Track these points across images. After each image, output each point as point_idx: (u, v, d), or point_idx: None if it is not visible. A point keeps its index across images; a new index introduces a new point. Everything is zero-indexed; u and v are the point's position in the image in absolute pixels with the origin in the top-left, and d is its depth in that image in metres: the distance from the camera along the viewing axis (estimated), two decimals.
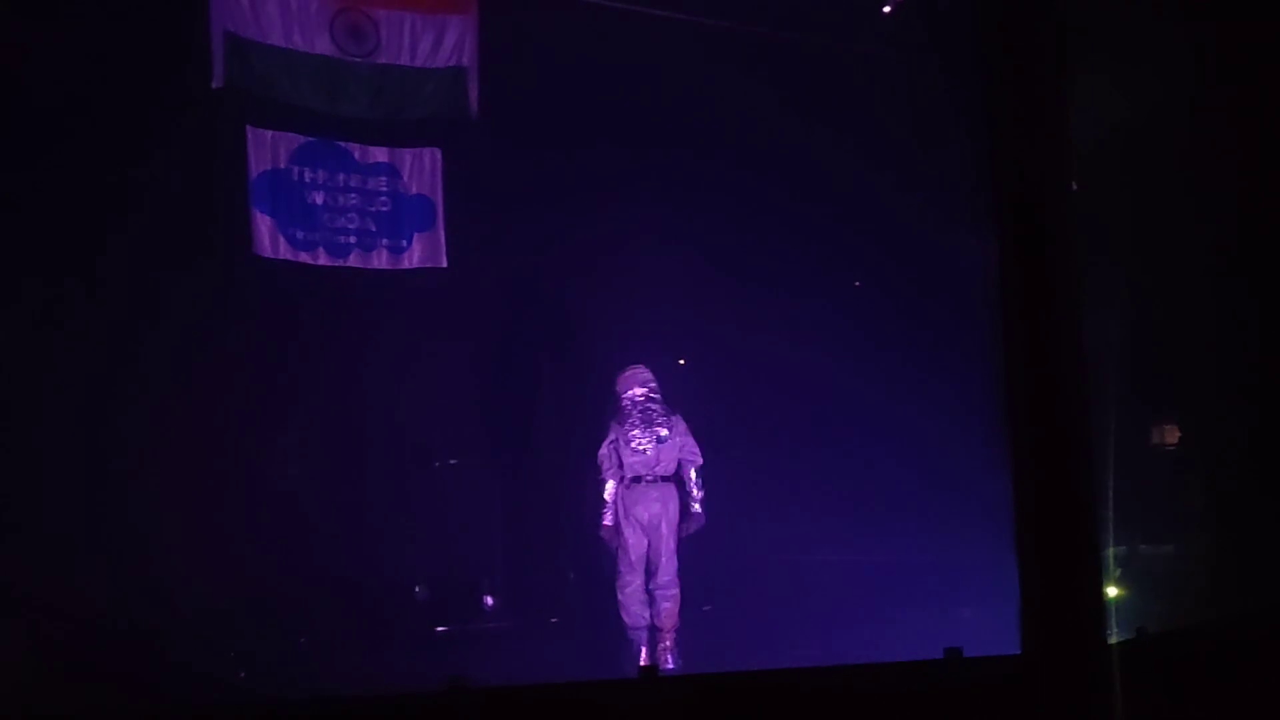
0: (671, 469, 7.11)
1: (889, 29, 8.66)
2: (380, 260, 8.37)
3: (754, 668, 3.89)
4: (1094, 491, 4.24)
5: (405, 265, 8.44)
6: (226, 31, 7.81)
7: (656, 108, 8.43)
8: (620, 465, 7.06)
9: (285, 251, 8.12)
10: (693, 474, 7.22)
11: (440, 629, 8.06)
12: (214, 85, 7.81)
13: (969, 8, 5.79)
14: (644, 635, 6.98)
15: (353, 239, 8.32)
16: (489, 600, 7.86)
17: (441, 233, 8.49)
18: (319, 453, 8.25)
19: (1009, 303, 4.48)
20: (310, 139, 8.24)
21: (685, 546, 7.16)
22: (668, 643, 7.00)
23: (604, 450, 7.13)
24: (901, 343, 8.37)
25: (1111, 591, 7.23)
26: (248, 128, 8.08)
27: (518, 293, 8.52)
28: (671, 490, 7.10)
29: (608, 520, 7.09)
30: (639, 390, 7.12)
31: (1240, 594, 6.80)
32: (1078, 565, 4.00)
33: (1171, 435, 9.22)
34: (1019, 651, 3.91)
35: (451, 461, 8.41)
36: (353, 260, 8.31)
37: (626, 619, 7.03)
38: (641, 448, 7.02)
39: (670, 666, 6.89)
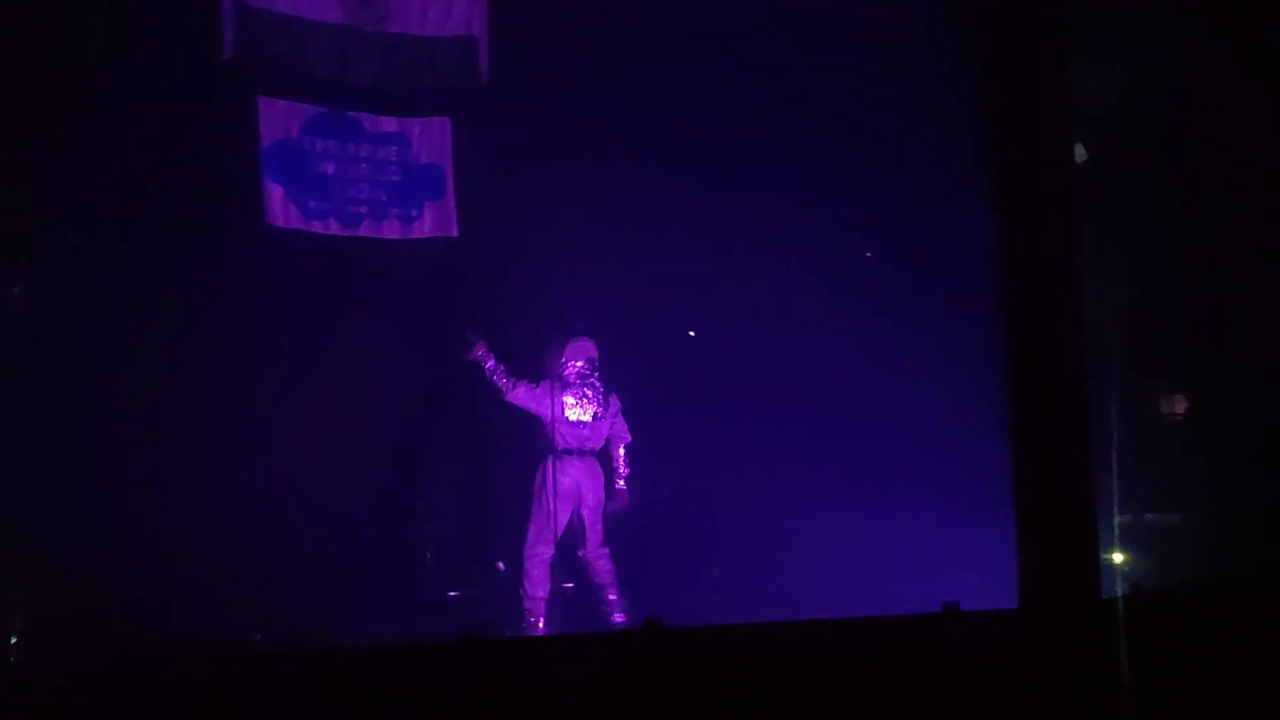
0: (599, 445, 7.41)
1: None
2: (391, 230, 8.44)
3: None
4: (1091, 451, 4.33)
5: (416, 234, 8.50)
6: (237, 1, 7.86)
7: (664, 76, 8.45)
8: (538, 395, 7.27)
9: (297, 221, 8.19)
10: (621, 451, 7.56)
11: (452, 594, 8.15)
12: (225, 55, 7.86)
13: None
14: (542, 606, 7.14)
15: (364, 208, 8.39)
16: (501, 566, 7.95)
17: (452, 202, 8.55)
18: (330, 421, 8.32)
19: (1009, 271, 4.56)
20: (321, 109, 8.30)
21: (690, 512, 7.33)
22: (613, 597, 7.24)
23: (524, 387, 7.33)
24: (903, 310, 8.42)
25: (1117, 557, 7.33)
26: (258, 98, 8.14)
27: (528, 262, 8.56)
28: (597, 465, 7.39)
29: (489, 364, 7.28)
30: (582, 363, 7.39)
31: (1234, 559, 6.89)
32: (1074, 522, 4.09)
33: (1177, 406, 9.27)
34: (1015, 606, 4.01)
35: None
36: (364, 230, 8.38)
37: (529, 588, 7.19)
38: (575, 418, 7.28)
39: (620, 619, 7.12)
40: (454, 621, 5.94)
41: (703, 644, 3.84)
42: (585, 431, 7.35)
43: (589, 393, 7.41)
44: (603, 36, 8.41)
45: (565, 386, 7.37)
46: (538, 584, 7.24)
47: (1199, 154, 8.05)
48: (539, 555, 7.28)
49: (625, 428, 7.61)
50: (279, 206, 8.13)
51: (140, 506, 7.19)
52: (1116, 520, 7.14)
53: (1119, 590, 4.59)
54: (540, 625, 6.99)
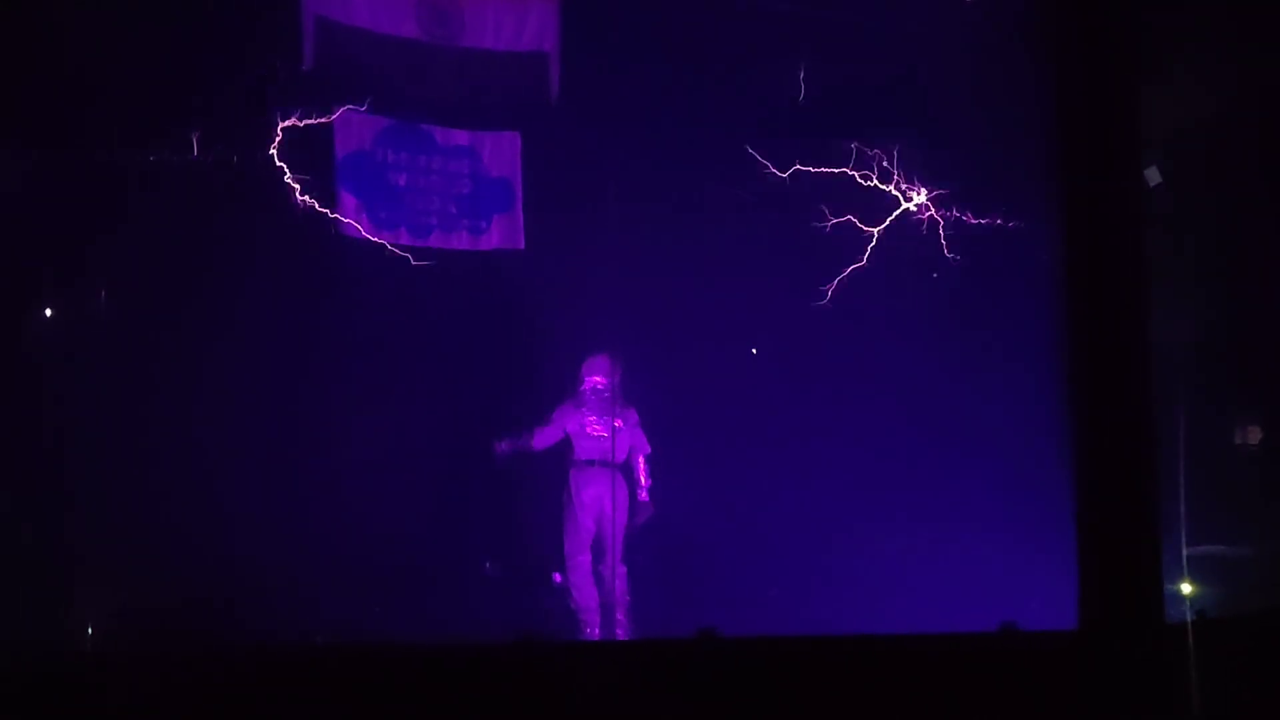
0: (622, 456, 7.64)
1: (967, 17, 8.63)
2: (460, 241, 8.58)
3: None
4: (1157, 475, 4.28)
5: (484, 246, 8.63)
6: (317, 15, 8.06)
7: (731, 94, 8.49)
8: (558, 440, 7.61)
9: (368, 231, 8.35)
10: (641, 461, 7.76)
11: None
12: (304, 67, 8.05)
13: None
14: (595, 616, 7.31)
15: (433, 220, 8.53)
16: (557, 577, 7.99)
17: (520, 215, 8.67)
18: (392, 428, 8.45)
19: (1075, 293, 4.53)
20: (394, 121, 8.47)
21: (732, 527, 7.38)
22: (620, 616, 7.35)
23: (545, 429, 7.65)
24: (969, 330, 8.34)
25: (1185, 588, 7.18)
26: (334, 109, 8.32)
27: (594, 276, 8.62)
28: (619, 477, 7.62)
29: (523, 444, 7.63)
30: (600, 379, 7.65)
31: None
32: (1137, 544, 4.04)
33: (1252, 436, 9.08)
34: (1074, 627, 3.97)
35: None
36: (433, 240, 8.52)
37: (578, 598, 7.43)
38: (596, 433, 7.56)
39: (623, 627, 7.26)
40: (513, 625, 5.99)
41: (757, 654, 3.85)
42: (606, 444, 7.59)
43: (608, 406, 7.67)
44: (670, 56, 8.47)
45: (583, 402, 7.65)
46: (585, 594, 7.45)
47: (1276, 179, 7.92)
48: (579, 565, 7.53)
49: (644, 439, 7.83)
50: (352, 216, 8.30)
51: (206, 506, 7.36)
52: (1185, 551, 7.00)
53: (1186, 613, 4.51)
54: (596, 634, 7.13)
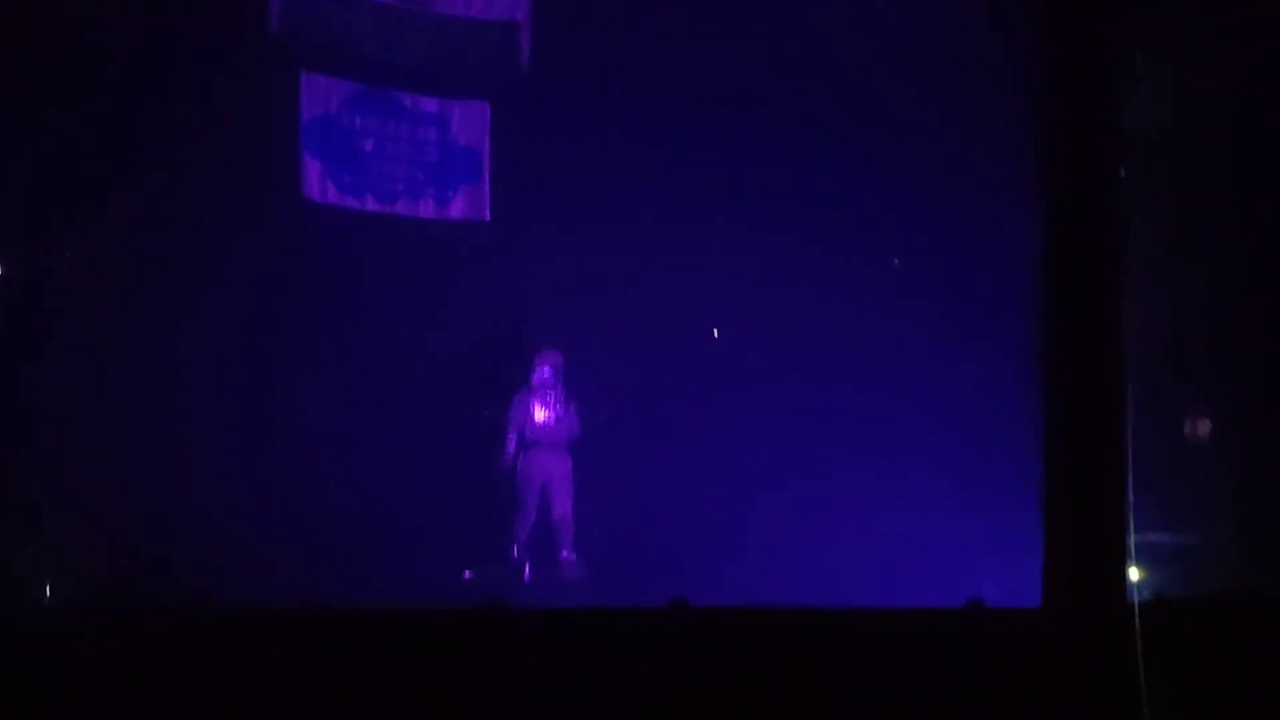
0: (563, 436, 8.21)
1: (945, 10, 8.65)
2: (426, 209, 8.52)
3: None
4: (1125, 457, 4.33)
5: (449, 216, 8.56)
6: None
7: (706, 71, 8.47)
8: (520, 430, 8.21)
9: (333, 196, 8.27)
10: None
11: (468, 574, 8.19)
12: (271, 30, 7.93)
13: None
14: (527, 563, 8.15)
15: (400, 186, 8.46)
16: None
17: (486, 186, 8.61)
18: (358, 393, 8.39)
19: (1051, 276, 4.57)
20: (362, 86, 8.37)
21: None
22: (565, 554, 8.17)
23: (510, 415, 8.22)
24: (941, 312, 8.40)
25: (1134, 574, 7.27)
26: (301, 73, 8.21)
27: (560, 249, 8.59)
28: (565, 454, 8.18)
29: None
30: (547, 371, 8.15)
31: (1261, 576, 6.86)
32: (1103, 525, 4.10)
33: (1203, 428, 9.21)
34: (1039, 605, 4.02)
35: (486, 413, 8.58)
36: (399, 208, 8.46)
37: (519, 548, 8.18)
38: (540, 418, 8.19)
39: (572, 561, 8.12)
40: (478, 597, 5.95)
41: (727, 624, 3.87)
42: (552, 428, 8.21)
43: (551, 396, 8.19)
44: (644, 30, 8.43)
45: (532, 394, 8.16)
46: (524, 549, 8.24)
47: (1245, 176, 8.02)
48: (526, 527, 8.25)
49: (578, 428, 8.32)
50: (316, 181, 8.20)
51: (187, 474, 7.30)
52: (1133, 538, 7.09)
53: (1137, 598, 4.59)
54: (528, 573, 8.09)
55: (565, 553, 8.15)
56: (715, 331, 9.49)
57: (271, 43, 7.98)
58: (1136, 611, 4.25)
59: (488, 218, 8.66)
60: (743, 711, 3.70)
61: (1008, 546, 5.16)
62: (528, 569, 8.12)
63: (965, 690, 3.87)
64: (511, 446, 8.20)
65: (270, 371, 8.08)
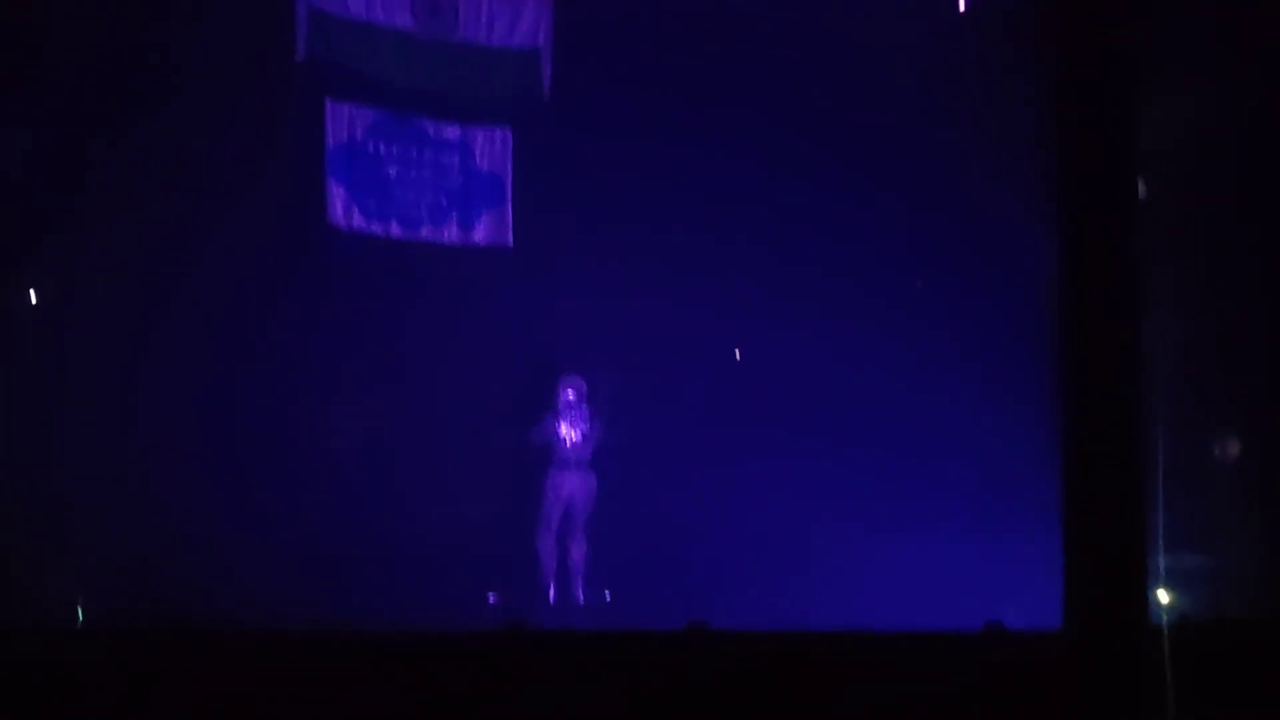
0: (589, 455, 8.38)
1: (960, 27, 8.68)
2: (450, 235, 8.58)
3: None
4: (1144, 477, 4.31)
5: (473, 241, 8.63)
6: (311, 6, 8.05)
7: (725, 95, 8.51)
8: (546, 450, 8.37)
9: (358, 222, 8.36)
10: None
11: (491, 597, 8.21)
12: (297, 58, 8.04)
13: (1039, 8, 5.84)
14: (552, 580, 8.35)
15: (424, 213, 8.53)
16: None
17: (509, 211, 8.67)
18: (383, 421, 8.44)
19: (1068, 301, 4.56)
20: (386, 113, 8.47)
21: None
22: (580, 589, 8.36)
23: (540, 427, 8.37)
24: (959, 333, 8.39)
25: (1163, 597, 7.22)
26: (326, 101, 8.31)
27: (582, 273, 8.63)
28: (590, 473, 8.35)
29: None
30: (571, 394, 8.34)
31: None
32: (1124, 545, 4.07)
33: (1232, 449, 9.13)
34: (1059, 627, 3.99)
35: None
36: (423, 234, 8.52)
37: (542, 563, 8.39)
38: (567, 438, 8.36)
39: (580, 591, 8.35)
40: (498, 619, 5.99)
41: (744, 648, 3.87)
42: (579, 446, 8.38)
43: (575, 418, 8.36)
44: (665, 55, 8.48)
45: (560, 416, 8.33)
46: (548, 562, 8.42)
47: (1263, 192, 7.98)
48: (546, 542, 8.41)
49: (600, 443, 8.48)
50: (341, 207, 8.29)
51: (211, 495, 7.36)
52: (1162, 559, 7.03)
53: (1161, 616, 4.55)
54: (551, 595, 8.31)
55: (579, 588, 8.36)
56: (737, 353, 9.51)
57: (297, 71, 8.09)
58: (1163, 634, 4.22)
59: (511, 242, 8.71)
60: None
61: (1028, 569, 5.13)
62: (552, 590, 8.29)
63: (985, 714, 3.85)
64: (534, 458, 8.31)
65: (296, 395, 8.13)
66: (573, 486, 8.37)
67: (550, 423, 8.35)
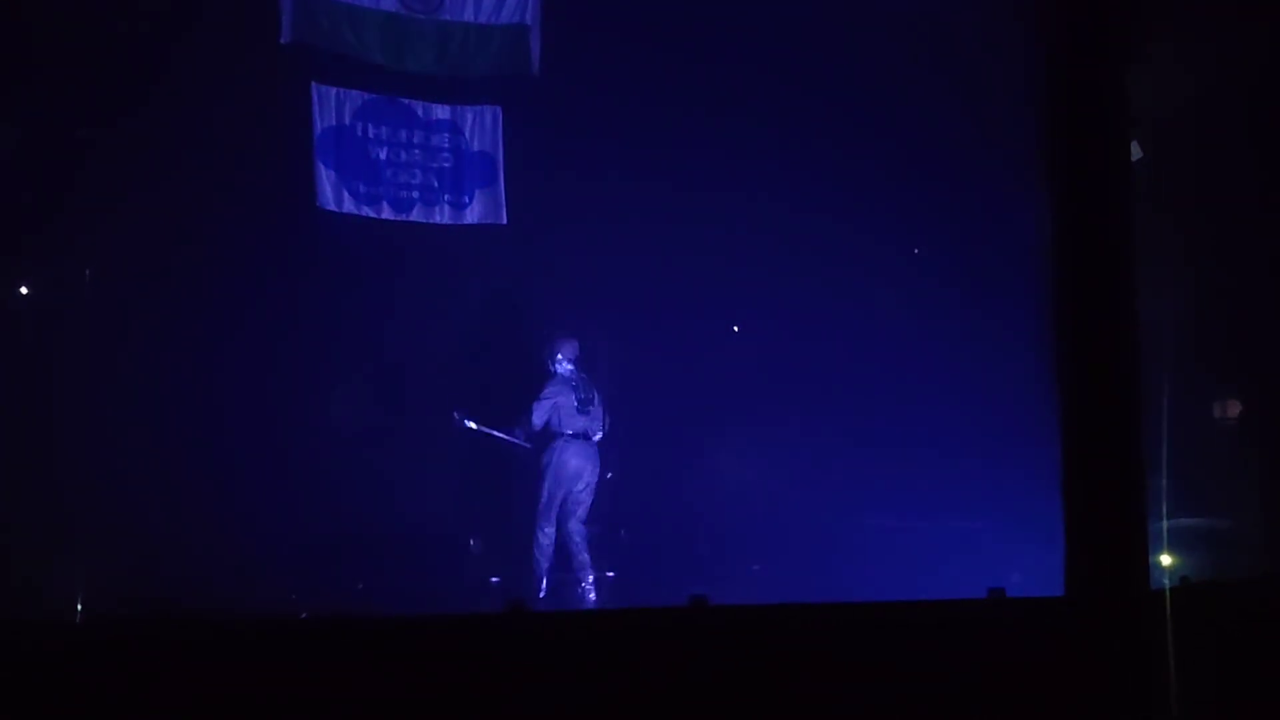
0: (598, 431, 7.89)
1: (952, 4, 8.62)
2: (442, 215, 8.54)
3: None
4: (1142, 443, 4.30)
5: (466, 221, 8.59)
6: None
7: (715, 67, 8.46)
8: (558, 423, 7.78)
9: (349, 205, 8.30)
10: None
11: (494, 579, 8.23)
12: (282, 40, 7.96)
13: None
14: (545, 581, 7.71)
15: (415, 194, 8.48)
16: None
17: (502, 189, 8.62)
18: (376, 403, 8.43)
19: (1063, 269, 4.53)
20: (374, 96, 8.41)
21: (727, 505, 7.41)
22: (591, 577, 7.74)
23: (543, 407, 7.76)
24: (957, 304, 8.37)
25: (1165, 559, 7.22)
26: (313, 84, 8.25)
27: (575, 250, 8.60)
28: (596, 449, 7.86)
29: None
30: (571, 362, 7.84)
31: None
32: (1123, 511, 4.06)
33: (1232, 409, 9.13)
34: (1062, 594, 3.99)
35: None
36: (415, 215, 8.48)
37: (543, 562, 7.73)
38: (585, 410, 7.82)
39: (593, 599, 7.70)
40: (497, 601, 6.00)
41: (748, 622, 3.86)
42: (593, 418, 7.85)
43: (586, 384, 7.88)
44: (654, 29, 8.42)
45: (566, 383, 7.81)
46: (548, 560, 7.75)
47: (1258, 157, 7.94)
48: (549, 535, 7.80)
49: (597, 416, 7.96)
50: (331, 190, 8.24)
51: (195, 483, 7.34)
52: (1165, 523, 7.04)
53: (1167, 584, 4.55)
54: (543, 593, 7.58)
55: (585, 578, 7.73)
56: (735, 327, 9.50)
57: (282, 54, 8.02)
58: (1166, 597, 4.22)
59: (504, 221, 8.67)
60: (765, 709, 3.69)
61: (1030, 536, 5.13)
62: (545, 584, 7.70)
63: (988, 681, 3.85)
64: (532, 437, 7.81)
65: (291, 381, 8.12)
66: (584, 465, 7.78)
67: (559, 392, 7.76)
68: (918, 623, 3.96)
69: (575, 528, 7.82)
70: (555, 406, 7.75)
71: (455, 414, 7.97)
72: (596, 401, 7.86)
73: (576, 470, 7.78)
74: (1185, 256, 8.15)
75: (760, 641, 3.77)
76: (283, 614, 6.48)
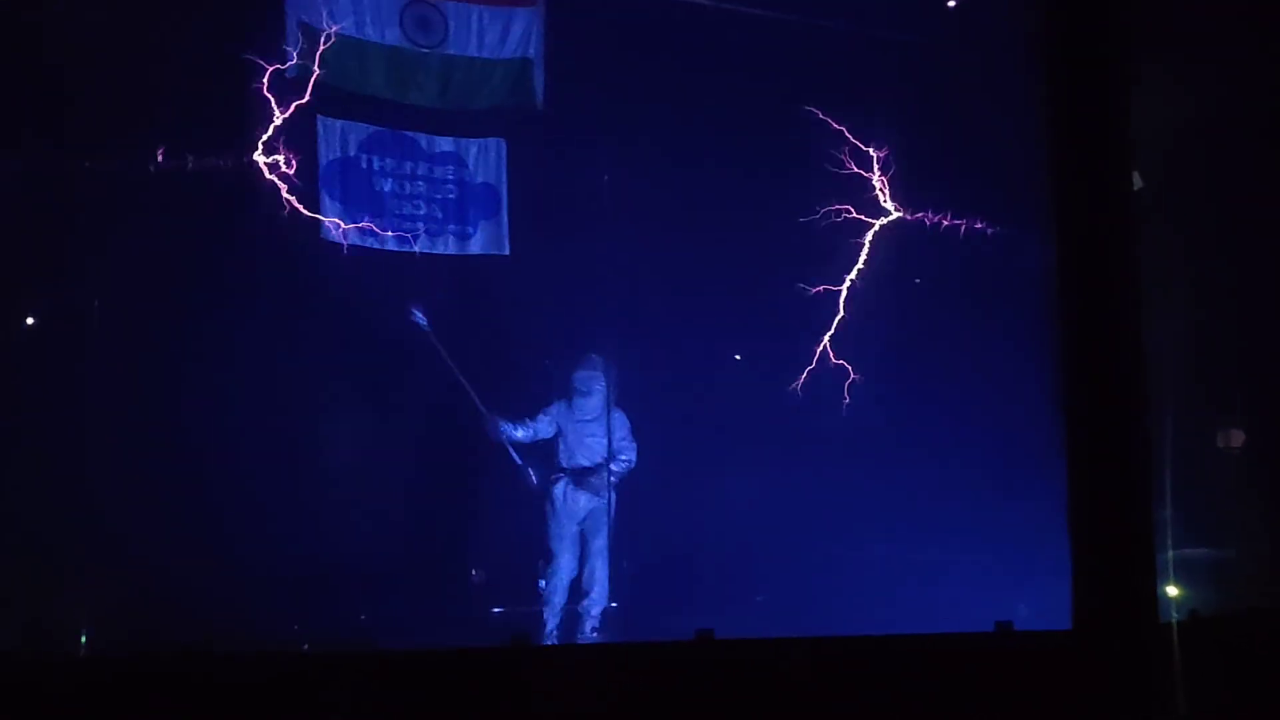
0: (611, 461, 7.59)
1: (952, 22, 8.67)
2: (446, 246, 8.57)
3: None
4: (1149, 475, 4.29)
5: (470, 251, 8.63)
6: (301, 21, 8.04)
7: (720, 101, 8.50)
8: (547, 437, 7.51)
9: (353, 237, 8.32)
10: (615, 467, 7.61)
11: (497, 610, 8.19)
12: (287, 74, 8.02)
13: (1033, 4, 5.82)
14: (555, 620, 7.31)
15: (420, 225, 8.52)
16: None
17: (505, 221, 8.66)
18: (381, 433, 8.42)
19: (1067, 299, 4.54)
20: (378, 128, 8.46)
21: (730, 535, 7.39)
22: (595, 617, 7.34)
23: (532, 423, 7.54)
24: (961, 334, 8.37)
25: (1171, 590, 7.19)
26: (317, 117, 8.29)
27: (578, 281, 8.62)
28: (609, 482, 7.56)
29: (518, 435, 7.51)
30: (594, 388, 7.60)
31: None
32: (1131, 544, 4.05)
33: (1236, 439, 9.11)
34: (1069, 627, 3.97)
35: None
36: (419, 246, 8.49)
37: (550, 600, 7.37)
38: (593, 439, 7.51)
39: (595, 634, 7.27)
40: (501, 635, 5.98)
41: (754, 656, 3.84)
42: (600, 449, 7.54)
43: (602, 411, 7.59)
44: (656, 62, 8.47)
45: (578, 409, 7.56)
46: (558, 599, 7.43)
47: (1260, 186, 7.96)
48: (560, 568, 7.50)
49: (632, 449, 7.71)
50: (335, 223, 8.27)
51: (193, 512, 7.32)
52: (1171, 554, 7.01)
53: (1171, 613, 4.53)
54: (554, 638, 7.13)
55: (592, 617, 7.35)
56: (737, 356, 9.51)
57: (288, 87, 8.06)
58: (1173, 630, 4.19)
59: (507, 252, 8.70)
60: None
61: (1036, 566, 5.11)
62: (553, 624, 7.32)
63: (997, 716, 3.83)
64: (517, 435, 7.52)
65: (294, 412, 8.12)
66: (596, 502, 7.51)
67: (561, 415, 7.52)
68: (926, 656, 3.93)
69: (589, 569, 7.48)
70: (557, 428, 7.46)
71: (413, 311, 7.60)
72: (621, 431, 7.50)
73: (588, 508, 7.53)
74: (1189, 285, 8.15)
75: (767, 676, 3.74)
76: (285, 646, 6.48)
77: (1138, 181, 7.71)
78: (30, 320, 7.98)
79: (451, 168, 8.62)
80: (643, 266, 8.58)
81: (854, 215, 8.35)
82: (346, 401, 8.23)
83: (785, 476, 8.41)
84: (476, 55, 8.52)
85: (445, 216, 8.57)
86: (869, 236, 8.44)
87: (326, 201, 8.25)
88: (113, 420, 7.48)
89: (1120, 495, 4.24)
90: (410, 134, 8.59)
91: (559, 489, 7.64)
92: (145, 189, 7.78)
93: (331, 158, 8.34)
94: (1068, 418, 4.40)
